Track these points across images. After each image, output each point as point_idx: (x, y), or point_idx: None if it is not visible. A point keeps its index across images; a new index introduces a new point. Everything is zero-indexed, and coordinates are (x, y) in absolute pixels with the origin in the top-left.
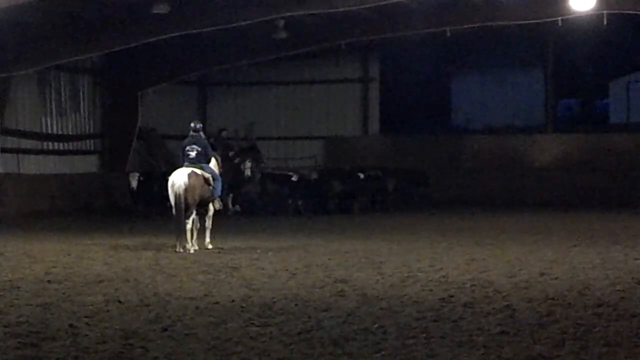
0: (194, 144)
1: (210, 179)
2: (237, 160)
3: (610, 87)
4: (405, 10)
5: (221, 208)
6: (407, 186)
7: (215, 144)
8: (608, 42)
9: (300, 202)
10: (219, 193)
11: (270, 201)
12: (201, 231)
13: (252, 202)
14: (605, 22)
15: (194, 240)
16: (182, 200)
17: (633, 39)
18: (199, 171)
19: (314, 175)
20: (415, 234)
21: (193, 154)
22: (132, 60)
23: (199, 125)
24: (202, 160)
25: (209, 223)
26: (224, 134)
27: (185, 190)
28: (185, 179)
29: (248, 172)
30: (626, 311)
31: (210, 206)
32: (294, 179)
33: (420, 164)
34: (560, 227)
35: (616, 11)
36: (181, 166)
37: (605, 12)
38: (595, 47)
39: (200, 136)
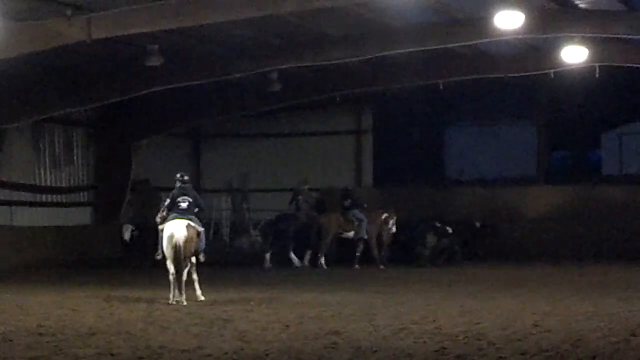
0: (185, 195)
1: (202, 232)
2: (384, 216)
3: (603, 139)
4: (398, 63)
5: (204, 260)
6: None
7: (301, 199)
8: (600, 95)
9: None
10: (204, 246)
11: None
12: (188, 284)
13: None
14: (597, 75)
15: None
16: (181, 251)
17: (625, 92)
18: (193, 223)
19: (478, 224)
20: (407, 286)
21: (184, 205)
22: (126, 112)
23: (187, 177)
24: (192, 212)
25: (195, 275)
26: (306, 187)
27: (185, 242)
28: (185, 232)
29: (393, 228)
30: None
31: (193, 259)
32: (449, 230)
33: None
34: (553, 279)
35: (608, 64)
36: (172, 217)
37: (597, 64)
38: (587, 99)
39: (190, 187)
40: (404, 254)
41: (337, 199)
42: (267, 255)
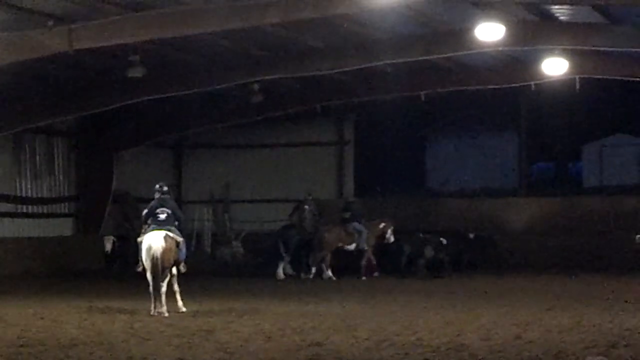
0: (163, 206)
1: (182, 242)
2: (382, 226)
3: (584, 150)
4: (380, 75)
5: (185, 271)
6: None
7: (307, 209)
8: (581, 106)
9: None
10: (184, 257)
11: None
12: (169, 295)
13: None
14: (577, 87)
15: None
16: (160, 263)
17: (605, 104)
18: (171, 234)
19: (472, 235)
20: (389, 297)
21: (163, 216)
22: (107, 123)
23: (166, 187)
24: (171, 223)
25: (177, 286)
26: (311, 198)
27: (162, 253)
28: (162, 242)
29: (391, 238)
30: None
31: (174, 270)
32: (444, 242)
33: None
34: (535, 290)
35: (588, 76)
36: (151, 229)
37: (577, 76)
38: (568, 111)
39: (170, 198)
40: (387, 264)
41: (337, 211)
42: (287, 265)
